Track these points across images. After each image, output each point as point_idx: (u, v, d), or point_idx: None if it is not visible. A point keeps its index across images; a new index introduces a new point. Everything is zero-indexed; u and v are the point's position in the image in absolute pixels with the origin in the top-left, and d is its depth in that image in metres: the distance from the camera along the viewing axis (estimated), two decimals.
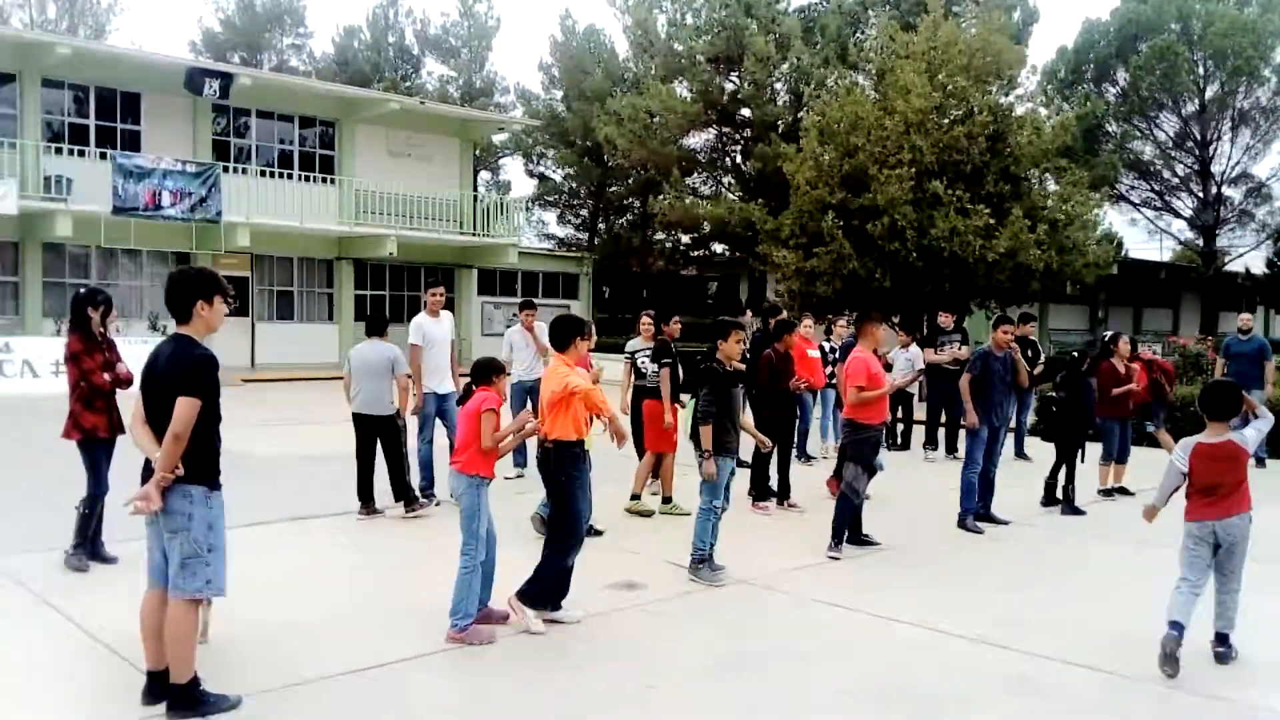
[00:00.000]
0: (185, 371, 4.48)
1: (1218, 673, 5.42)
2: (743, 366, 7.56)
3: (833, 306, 21.57)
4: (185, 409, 4.41)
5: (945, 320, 13.35)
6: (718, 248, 33.25)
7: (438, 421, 9.35)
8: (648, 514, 9.02)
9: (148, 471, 4.53)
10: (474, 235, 28.43)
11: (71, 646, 5.38)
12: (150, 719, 4.48)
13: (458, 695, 4.97)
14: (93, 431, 6.85)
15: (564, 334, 6.27)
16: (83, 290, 7.30)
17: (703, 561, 7.02)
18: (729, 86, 30.15)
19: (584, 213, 37.34)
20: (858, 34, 28.91)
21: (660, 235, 33.18)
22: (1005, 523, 9.15)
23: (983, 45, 20.88)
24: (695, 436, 7.06)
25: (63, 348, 7.30)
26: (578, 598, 6.12)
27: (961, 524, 8.90)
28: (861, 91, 22.11)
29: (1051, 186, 22.08)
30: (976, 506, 9.02)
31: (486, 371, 6.00)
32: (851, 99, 21.38)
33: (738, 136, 31.53)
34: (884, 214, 19.64)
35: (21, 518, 8.21)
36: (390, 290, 29.13)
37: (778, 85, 29.08)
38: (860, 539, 8.14)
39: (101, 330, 7.04)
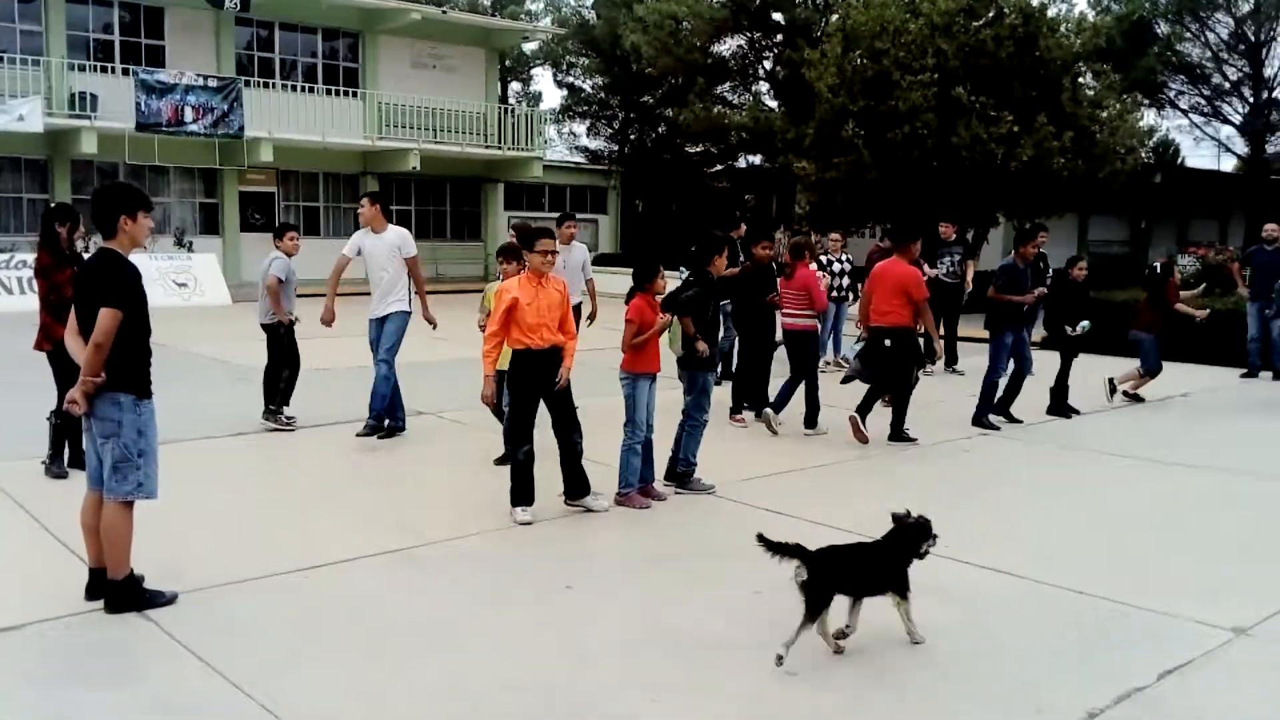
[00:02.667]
0: (105, 282, 4.59)
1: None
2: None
3: (852, 219, 21.32)
4: (105, 319, 4.53)
5: (946, 231, 13.15)
6: (751, 159, 32.82)
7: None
8: None
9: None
10: (498, 149, 28.27)
11: (37, 547, 5.63)
12: (91, 612, 4.69)
13: (385, 589, 5.13)
14: (62, 342, 7.02)
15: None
16: (52, 205, 7.45)
17: (692, 474, 7.18)
18: None
19: (615, 124, 36.87)
20: None
21: (688, 147, 32.70)
22: (1019, 421, 9.75)
23: None
24: (687, 350, 7.04)
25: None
26: (540, 506, 6.35)
27: (977, 421, 9.53)
28: None
29: (1089, 91, 21.45)
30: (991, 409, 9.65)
31: (642, 275, 6.77)
32: (878, 2, 20.80)
33: (768, 42, 30.84)
34: (905, 122, 19.25)
35: (8, 428, 8.44)
36: (416, 205, 29.21)
37: None
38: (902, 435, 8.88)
39: (69, 245, 7.18)
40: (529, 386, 6.23)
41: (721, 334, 11.44)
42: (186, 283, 22.10)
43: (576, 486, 6.50)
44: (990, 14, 19.74)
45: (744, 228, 12.13)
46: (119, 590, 4.71)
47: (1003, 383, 9.73)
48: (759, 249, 9.54)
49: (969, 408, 9.81)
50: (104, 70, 23.10)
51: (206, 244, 24.61)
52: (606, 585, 5.37)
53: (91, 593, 4.80)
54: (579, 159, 36.55)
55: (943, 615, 4.93)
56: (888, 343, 8.79)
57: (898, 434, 8.88)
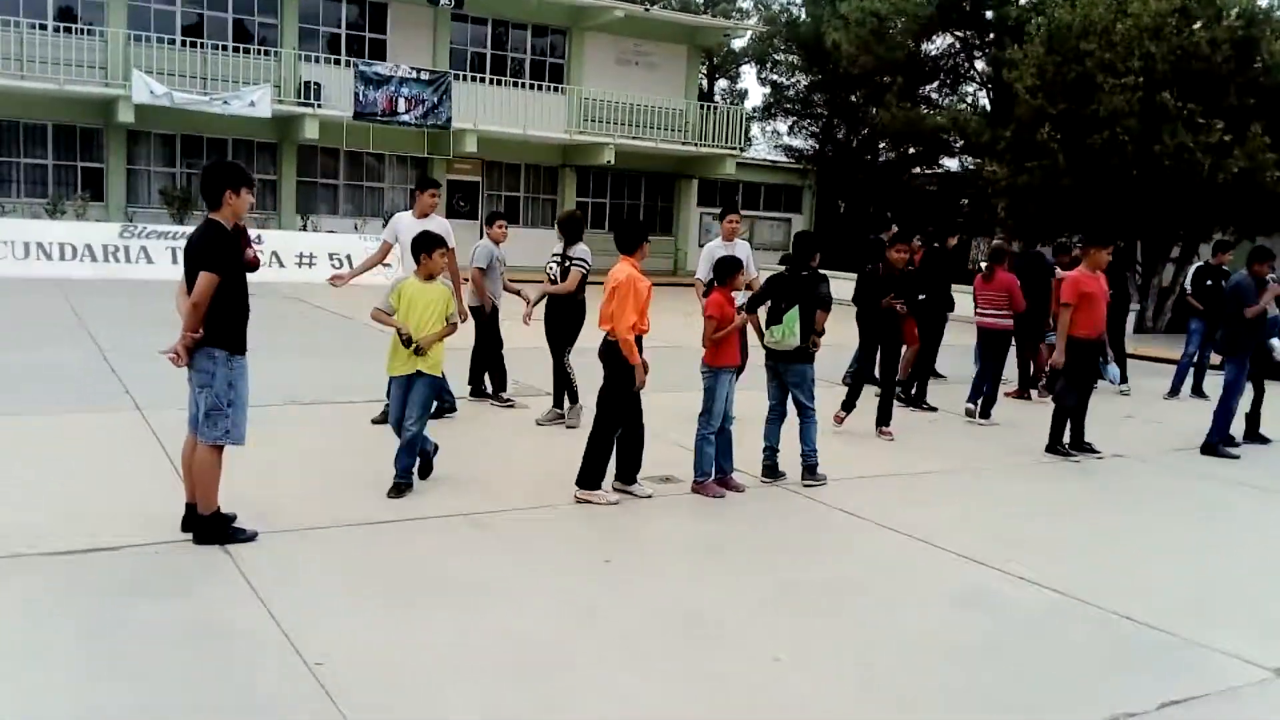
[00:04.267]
0: (205, 249, 5.16)
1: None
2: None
3: (1047, 228, 20.44)
4: (202, 282, 5.10)
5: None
6: (956, 162, 31.87)
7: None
8: None
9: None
10: (692, 145, 28.63)
11: (159, 480, 6.33)
12: (181, 541, 5.29)
13: (440, 547, 5.52)
14: None
15: (630, 238, 6.69)
16: None
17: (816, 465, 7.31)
18: None
19: (818, 123, 36.54)
20: None
21: (885, 146, 32.08)
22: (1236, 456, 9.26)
23: None
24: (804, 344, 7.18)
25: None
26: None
27: (1211, 450, 9.25)
28: None
29: None
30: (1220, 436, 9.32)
31: (723, 272, 7.00)
32: (1087, 1, 19.82)
33: (979, 41, 29.86)
34: (1105, 127, 18.29)
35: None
36: (610, 198, 30.00)
37: None
38: (1084, 445, 8.85)
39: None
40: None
41: None
42: (391, 263, 23.56)
43: (632, 470, 6.71)
44: (1207, 16, 18.43)
45: (895, 229, 12.00)
46: (206, 524, 5.30)
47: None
48: (892, 252, 9.46)
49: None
50: (331, 62, 24.92)
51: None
52: (645, 564, 5.58)
53: (186, 524, 5.40)
54: (780, 157, 36.45)
55: (974, 622, 4.87)
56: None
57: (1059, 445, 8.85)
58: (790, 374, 7.26)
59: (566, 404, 8.75)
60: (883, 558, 5.88)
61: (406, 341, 6.21)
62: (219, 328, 5.21)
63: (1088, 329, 8.60)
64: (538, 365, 9.61)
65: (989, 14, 27.69)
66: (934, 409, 10.56)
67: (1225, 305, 9.55)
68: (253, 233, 21.65)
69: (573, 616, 4.69)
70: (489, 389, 9.48)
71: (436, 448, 6.68)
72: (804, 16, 34.03)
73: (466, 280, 9.17)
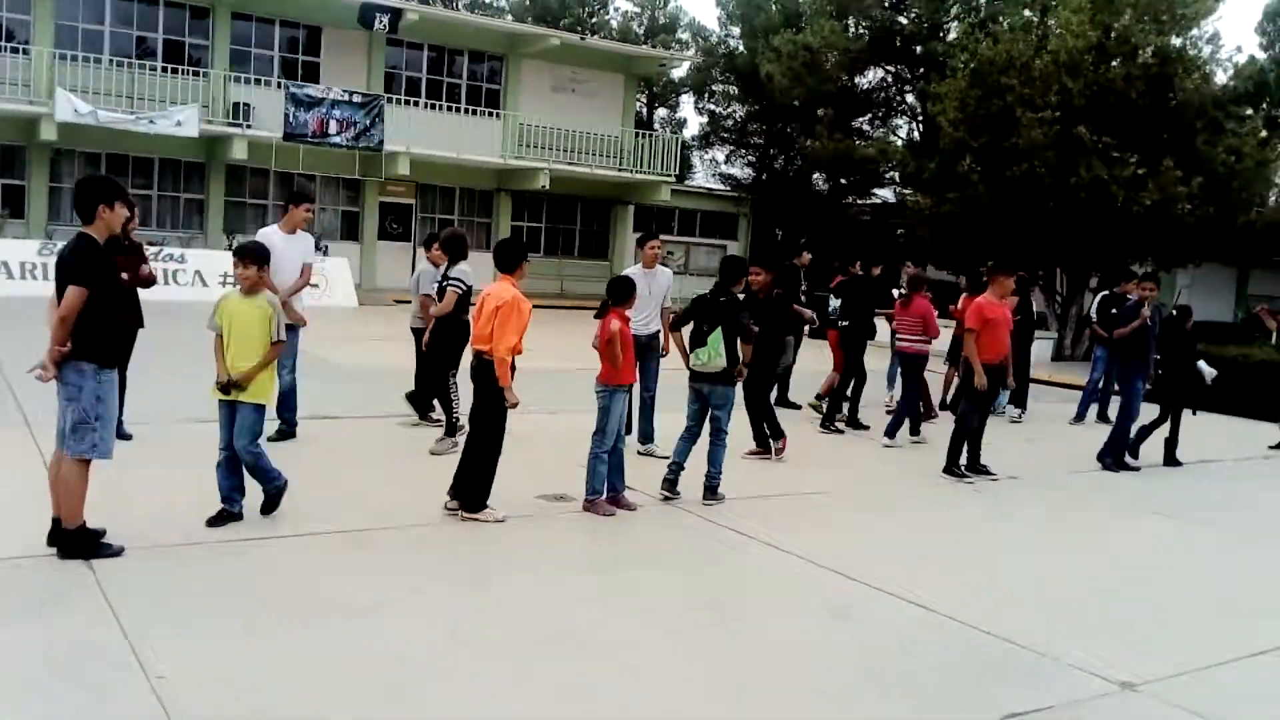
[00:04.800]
0: (76, 263, 5.11)
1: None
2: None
3: (969, 257, 20.81)
4: (71, 295, 5.04)
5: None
6: (886, 192, 32.41)
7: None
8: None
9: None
10: (625, 171, 28.81)
11: (37, 494, 6.20)
12: (45, 556, 5.18)
13: (317, 565, 5.47)
14: None
15: (510, 256, 6.66)
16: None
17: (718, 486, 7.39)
18: (904, 22, 29.18)
19: (754, 152, 36.99)
20: None
21: (818, 176, 32.55)
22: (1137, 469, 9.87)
23: None
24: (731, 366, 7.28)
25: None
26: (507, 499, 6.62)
27: (1104, 462, 9.84)
28: (1020, 30, 20.95)
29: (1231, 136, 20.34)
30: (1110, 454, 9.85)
31: (619, 293, 7.06)
32: (1008, 37, 20.36)
33: (909, 75, 30.49)
34: (1024, 159, 18.76)
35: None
36: (546, 223, 30.05)
37: (949, 22, 27.87)
38: (979, 467, 9.01)
39: (126, 232, 7.85)
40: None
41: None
42: (318, 283, 23.33)
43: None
44: (1123, 53, 19.00)
45: (808, 256, 12.19)
46: (71, 538, 5.20)
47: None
48: (751, 275, 9.39)
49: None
50: (262, 83, 24.72)
51: (346, 249, 25.92)
52: (525, 581, 5.56)
53: (51, 538, 5.29)
54: (718, 185, 36.80)
55: (839, 636, 4.94)
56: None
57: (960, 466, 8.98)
58: (714, 395, 7.34)
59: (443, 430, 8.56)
60: (761, 574, 5.95)
61: (224, 388, 5.87)
62: (88, 341, 5.14)
63: (990, 354, 8.82)
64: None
65: (918, 49, 28.27)
66: (861, 428, 10.75)
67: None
68: (175, 251, 21.48)
69: (437, 635, 4.66)
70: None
71: (285, 483, 6.17)
72: (740, 48, 34.50)
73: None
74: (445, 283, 8.36)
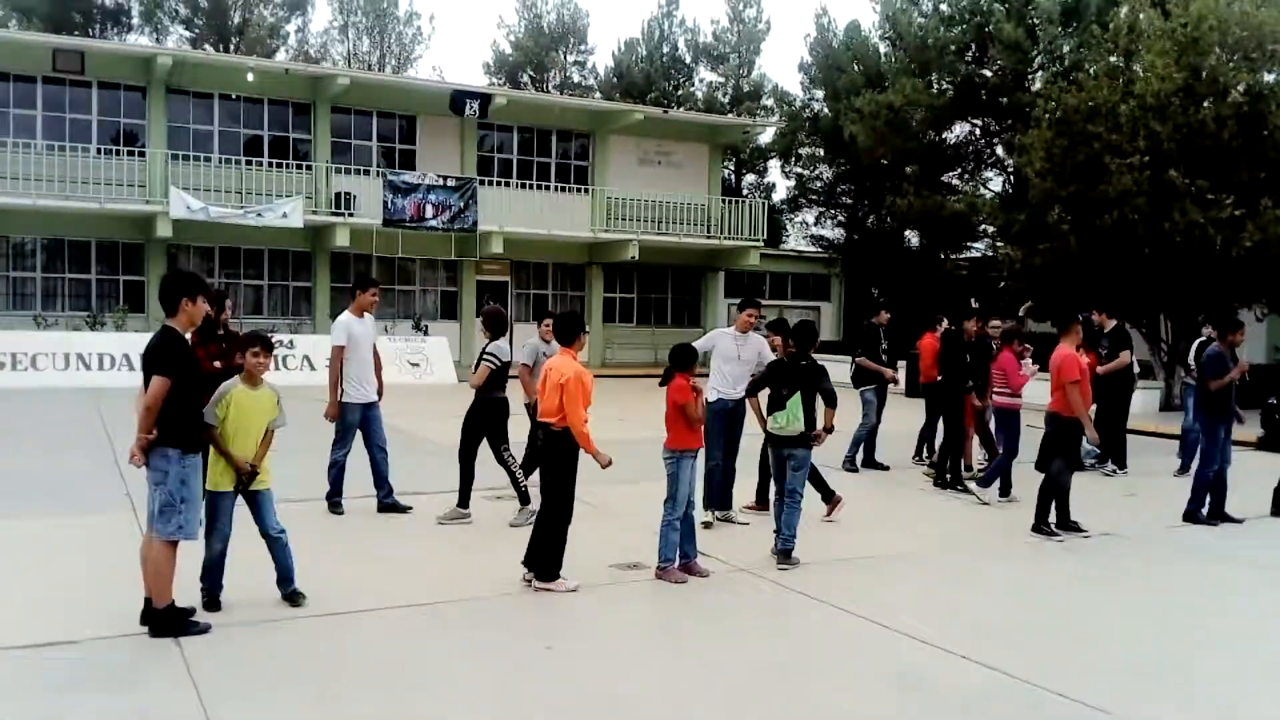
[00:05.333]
0: (159, 355, 5.46)
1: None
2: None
3: (1064, 308, 20.38)
4: (154, 385, 5.39)
5: (1101, 320, 12.44)
6: (981, 245, 31.99)
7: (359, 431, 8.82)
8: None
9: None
10: (715, 238, 29.10)
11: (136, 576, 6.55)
12: (137, 635, 5.48)
13: (389, 636, 5.65)
14: None
15: (568, 330, 6.89)
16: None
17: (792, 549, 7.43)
18: (988, 74, 29.04)
19: (844, 213, 37.01)
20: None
21: (908, 233, 32.35)
22: (1239, 521, 9.47)
23: (1241, 19, 18.92)
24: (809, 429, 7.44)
25: None
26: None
27: (1192, 519, 9.44)
28: (1104, 76, 20.65)
29: None
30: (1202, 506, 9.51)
31: (683, 359, 7.09)
32: (1092, 84, 20.10)
33: (998, 127, 30.22)
34: (1114, 207, 18.38)
35: None
36: (638, 293, 30.48)
37: (1034, 73, 27.63)
38: (1070, 524, 8.81)
39: (222, 323, 8.32)
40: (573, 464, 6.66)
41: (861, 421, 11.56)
42: (419, 363, 24.09)
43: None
44: (1213, 94, 18.55)
45: (886, 315, 12.15)
46: (160, 617, 5.49)
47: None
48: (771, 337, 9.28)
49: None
50: (361, 172, 25.85)
51: (446, 328, 26.70)
52: (589, 649, 5.64)
53: (144, 618, 5.60)
54: (808, 247, 36.84)
55: (905, 702, 4.89)
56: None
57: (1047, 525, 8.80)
58: (792, 459, 7.43)
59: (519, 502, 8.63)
60: (830, 640, 5.90)
61: (250, 477, 5.93)
62: (172, 428, 5.47)
63: (1058, 406, 8.71)
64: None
65: (1004, 100, 28.04)
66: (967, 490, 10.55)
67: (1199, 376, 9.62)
68: (284, 337, 22.40)
69: (497, 710, 4.77)
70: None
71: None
72: (825, 110, 34.72)
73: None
74: (482, 357, 8.52)
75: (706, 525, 8.24)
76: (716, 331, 9.33)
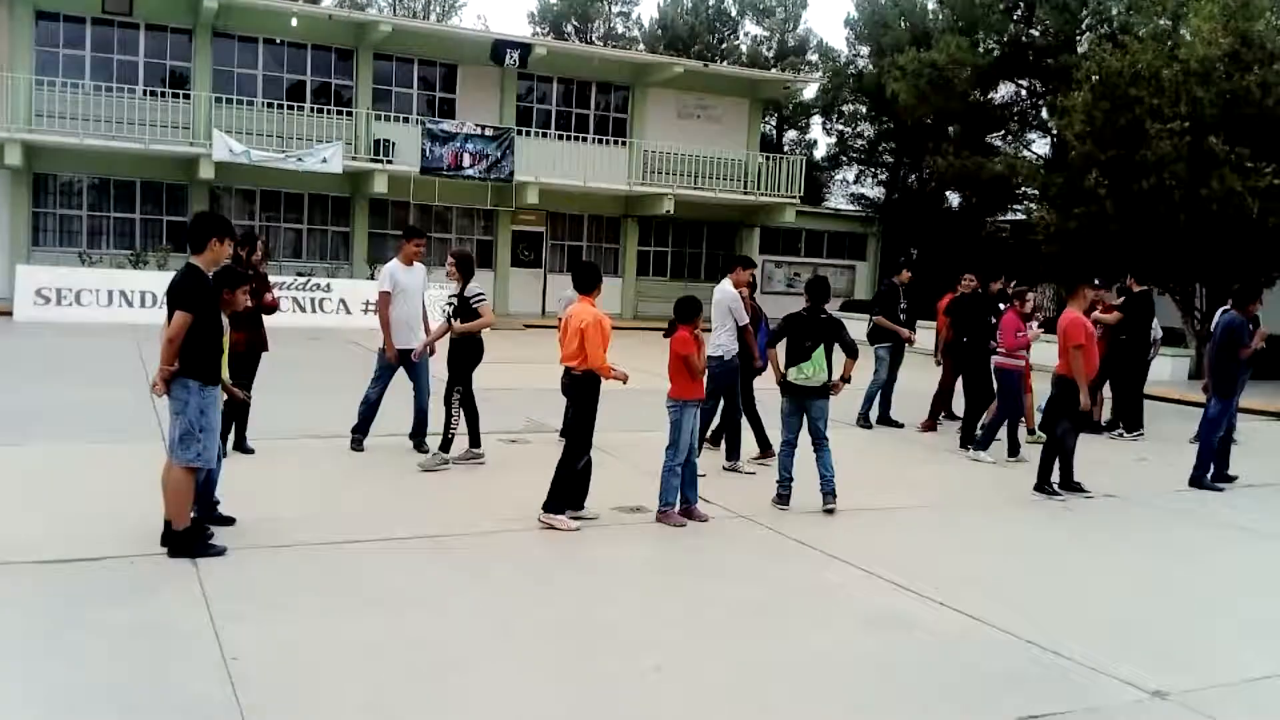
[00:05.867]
0: (183, 291, 5.74)
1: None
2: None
3: (1097, 274, 20.23)
4: (176, 320, 5.67)
5: (1130, 285, 12.40)
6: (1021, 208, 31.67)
7: (401, 374, 9.12)
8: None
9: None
10: (749, 194, 29.06)
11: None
12: (156, 554, 5.81)
13: (393, 566, 5.94)
14: (234, 346, 8.44)
15: (588, 280, 7.14)
16: (240, 233, 8.94)
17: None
18: (1035, 34, 28.59)
19: (884, 171, 36.71)
20: None
21: (949, 194, 32.06)
22: (1235, 478, 9.79)
23: None
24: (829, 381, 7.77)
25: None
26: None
27: (1197, 484, 9.62)
28: (1150, 39, 20.30)
29: None
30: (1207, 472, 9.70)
31: (687, 312, 7.27)
32: (1136, 47, 19.78)
33: (1044, 88, 29.77)
34: (1153, 172, 18.16)
35: None
36: (672, 247, 30.56)
37: (1082, 34, 27.16)
38: (1073, 485, 8.97)
39: (253, 264, 8.61)
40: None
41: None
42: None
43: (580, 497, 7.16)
44: (1260, 59, 18.18)
45: (907, 274, 12.24)
46: (178, 539, 5.82)
47: None
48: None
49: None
50: (401, 120, 26.05)
51: (482, 277, 26.77)
52: (579, 584, 5.91)
53: (164, 539, 5.93)
54: (845, 205, 36.63)
55: (877, 642, 5.11)
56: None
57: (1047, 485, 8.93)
58: (814, 408, 7.73)
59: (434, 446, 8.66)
60: (817, 585, 6.11)
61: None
62: (193, 361, 5.76)
63: (1062, 369, 8.88)
64: (538, 403, 10.06)
65: (1050, 62, 27.61)
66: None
67: (1216, 344, 9.62)
68: (322, 281, 22.82)
69: (487, 627, 5.05)
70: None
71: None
72: (869, 68, 34.35)
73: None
74: (475, 301, 8.46)
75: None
76: (389, 265, 9.26)
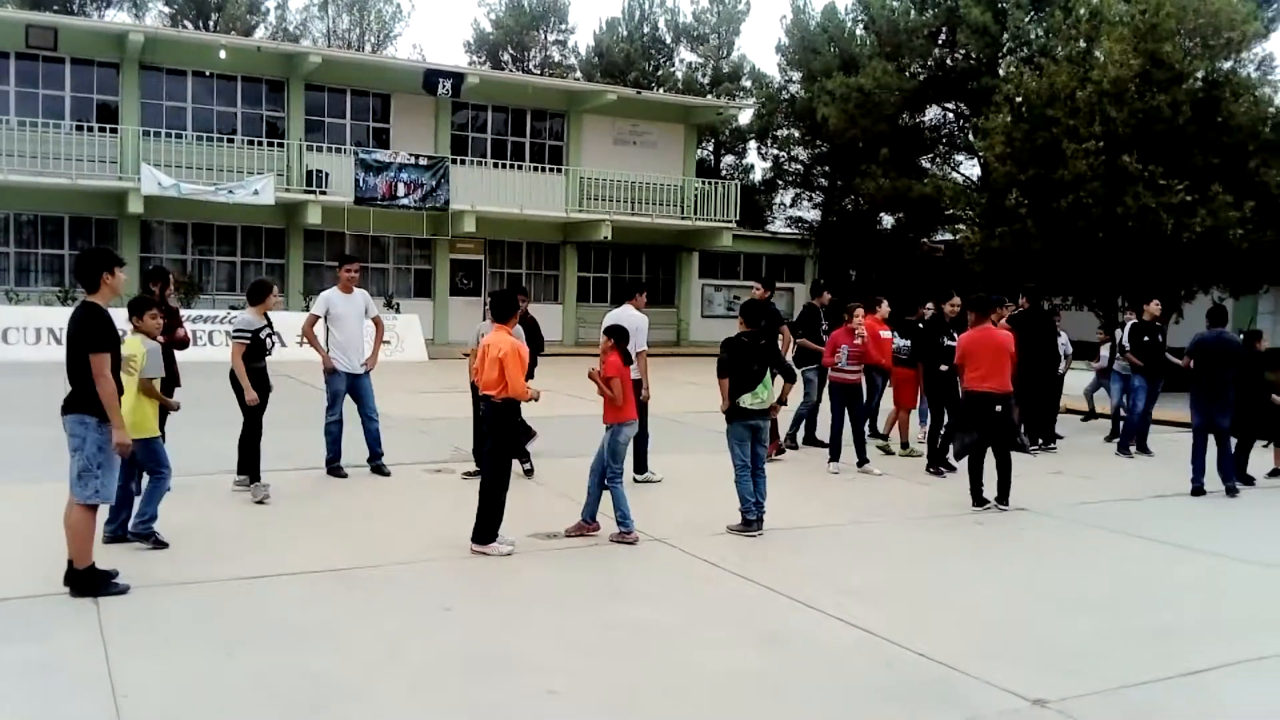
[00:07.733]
0: (91, 333, 5.73)
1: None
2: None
3: (1016, 289, 20.74)
4: (99, 364, 5.68)
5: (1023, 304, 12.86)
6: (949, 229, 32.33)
7: (348, 399, 9.42)
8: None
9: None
10: (685, 219, 29.36)
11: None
12: (59, 594, 5.78)
13: (301, 600, 5.97)
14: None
15: (504, 308, 7.28)
16: (150, 268, 8.94)
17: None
18: (958, 59, 29.26)
19: (819, 195, 37.22)
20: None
21: (881, 216, 32.63)
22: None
23: (1199, 6, 19.18)
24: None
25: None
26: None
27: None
28: (1065, 61, 20.93)
29: None
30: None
31: (623, 339, 7.74)
32: (1052, 69, 20.39)
33: (966, 112, 30.47)
34: (1070, 191, 18.71)
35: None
36: (612, 273, 30.72)
37: (1004, 57, 27.88)
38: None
39: (161, 299, 8.59)
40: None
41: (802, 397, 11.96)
42: (390, 340, 24.30)
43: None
44: (1169, 80, 18.81)
45: (828, 296, 12.49)
46: (80, 578, 5.80)
47: None
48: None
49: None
50: (334, 150, 26.00)
51: (419, 306, 26.97)
52: (484, 611, 5.97)
53: (66, 579, 5.90)
54: (783, 228, 37.08)
55: (769, 659, 5.24)
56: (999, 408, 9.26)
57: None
58: (762, 432, 7.99)
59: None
60: (719, 604, 6.23)
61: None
62: (90, 397, 5.76)
63: (976, 383, 9.20)
64: (467, 432, 10.12)
65: (974, 85, 28.29)
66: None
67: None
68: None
69: (386, 657, 5.10)
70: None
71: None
72: (801, 93, 34.92)
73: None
74: (245, 334, 8.71)
75: None
76: (621, 313, 9.26)
